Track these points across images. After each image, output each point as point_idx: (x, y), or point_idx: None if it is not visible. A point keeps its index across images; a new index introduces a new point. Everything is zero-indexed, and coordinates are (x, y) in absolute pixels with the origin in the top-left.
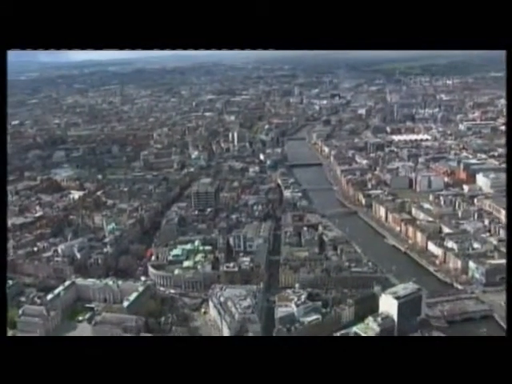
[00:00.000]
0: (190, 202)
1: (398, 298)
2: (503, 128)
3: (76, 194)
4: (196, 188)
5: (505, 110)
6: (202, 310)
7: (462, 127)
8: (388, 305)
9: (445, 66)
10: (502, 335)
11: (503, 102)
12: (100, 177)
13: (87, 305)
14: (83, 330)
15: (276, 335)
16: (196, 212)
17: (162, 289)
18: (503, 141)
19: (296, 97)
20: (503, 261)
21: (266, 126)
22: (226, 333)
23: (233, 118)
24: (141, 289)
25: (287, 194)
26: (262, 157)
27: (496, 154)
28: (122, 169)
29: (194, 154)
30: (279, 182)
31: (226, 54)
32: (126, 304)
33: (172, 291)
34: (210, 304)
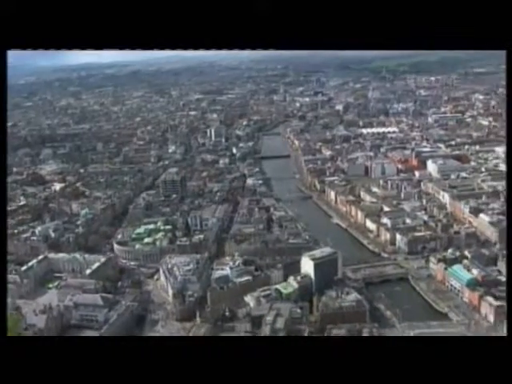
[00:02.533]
0: (158, 190)
1: (314, 259)
2: (469, 120)
3: (58, 186)
4: (164, 177)
5: (477, 103)
6: (155, 278)
7: (430, 120)
8: (307, 266)
9: (433, 63)
10: (413, 294)
11: (477, 96)
12: (82, 171)
13: (57, 274)
14: (51, 294)
15: (211, 291)
16: (163, 198)
17: (123, 261)
18: (464, 131)
19: (280, 95)
20: (428, 233)
21: (244, 123)
22: (170, 293)
23: (215, 115)
24: (103, 260)
25: (249, 181)
26: (234, 150)
27: (453, 143)
28: (103, 163)
29: (172, 148)
30: (245, 171)
31: (223, 55)
32: (88, 272)
33: (132, 263)
34: (160, 270)
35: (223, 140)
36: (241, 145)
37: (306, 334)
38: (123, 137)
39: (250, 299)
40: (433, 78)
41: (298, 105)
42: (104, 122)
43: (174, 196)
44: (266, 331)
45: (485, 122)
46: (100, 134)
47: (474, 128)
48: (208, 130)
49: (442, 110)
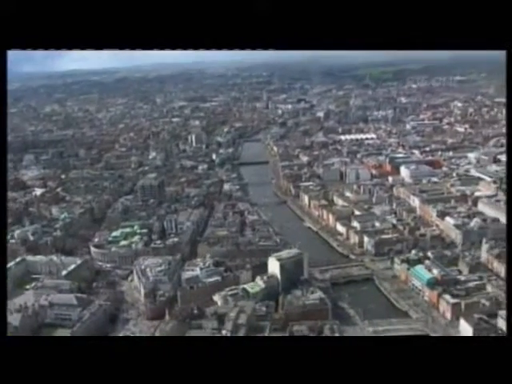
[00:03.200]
0: (137, 195)
1: (280, 259)
2: (446, 127)
3: (39, 191)
4: (142, 182)
5: (456, 110)
6: (129, 279)
7: (408, 127)
8: (273, 266)
9: (417, 71)
10: (377, 293)
11: (456, 103)
12: (63, 176)
13: (34, 276)
14: (28, 295)
15: (182, 288)
16: (140, 203)
17: (99, 263)
18: (440, 138)
19: (263, 102)
20: (395, 235)
21: (226, 129)
22: (142, 293)
23: (197, 122)
24: (79, 262)
25: (226, 186)
26: (214, 156)
27: (428, 149)
28: (84, 169)
29: (152, 154)
30: (223, 177)
31: (210, 62)
32: (64, 273)
33: (107, 265)
34: (134, 272)
35: (204, 146)
36: (221, 151)
37: (267, 330)
38: (105, 143)
39: (217, 298)
40: (415, 86)
41: (280, 112)
42: (87, 129)
43: (152, 201)
44: (228, 327)
45: (461, 129)
46: (83, 141)
47: (449, 135)
48: (189, 137)
49: (421, 117)
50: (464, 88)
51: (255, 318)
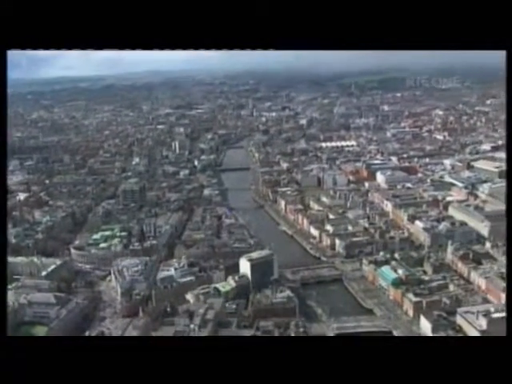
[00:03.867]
0: (118, 199)
1: (251, 260)
2: (425, 134)
3: (22, 196)
4: (123, 186)
5: (436, 118)
6: (108, 279)
7: (388, 134)
8: (244, 266)
9: (402, 79)
10: (345, 293)
11: (437, 111)
12: (47, 181)
13: (15, 276)
14: (8, 294)
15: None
16: (121, 207)
17: (79, 265)
18: (419, 145)
19: (248, 110)
20: (365, 238)
21: (209, 136)
22: (119, 292)
23: (182, 129)
24: (59, 263)
25: (206, 192)
26: (196, 162)
27: (406, 156)
28: (68, 175)
29: (136, 160)
30: (204, 182)
31: (198, 70)
32: (43, 273)
33: (87, 266)
34: (112, 272)
35: (187, 153)
36: (203, 157)
37: (234, 325)
38: (90, 149)
39: (190, 297)
40: (398, 94)
41: (264, 119)
42: (73, 135)
43: (133, 205)
44: (196, 321)
45: (440, 137)
46: (68, 147)
47: (428, 142)
48: (173, 143)
49: (402, 124)
50: (447, 96)
51: (224, 314)
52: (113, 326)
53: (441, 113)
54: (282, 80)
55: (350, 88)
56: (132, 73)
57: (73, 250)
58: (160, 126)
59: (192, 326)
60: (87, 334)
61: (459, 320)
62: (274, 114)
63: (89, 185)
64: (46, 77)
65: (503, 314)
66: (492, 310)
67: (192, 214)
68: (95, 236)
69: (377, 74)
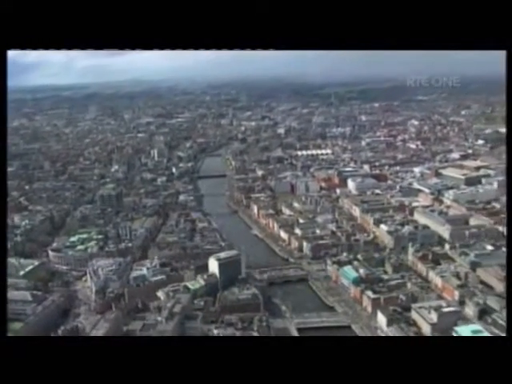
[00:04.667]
0: (96, 204)
1: (219, 259)
2: (399, 143)
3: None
4: (101, 192)
5: (411, 128)
6: (83, 279)
7: (363, 143)
8: (213, 266)
9: (382, 90)
10: (309, 291)
11: (413, 122)
12: (27, 187)
13: None
14: None
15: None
16: (98, 211)
17: (56, 266)
18: (391, 154)
19: (228, 119)
20: (332, 240)
21: (188, 145)
22: (93, 290)
23: (161, 138)
24: (36, 264)
25: (182, 197)
26: (174, 170)
27: (378, 164)
28: (48, 181)
29: (115, 167)
30: (180, 189)
31: (180, 79)
32: (21, 273)
33: (63, 267)
34: (87, 272)
35: (165, 160)
36: (181, 165)
37: (199, 319)
38: (70, 157)
39: (161, 294)
40: (376, 105)
41: (243, 128)
42: (54, 143)
43: (110, 209)
44: (164, 314)
45: (413, 146)
46: (48, 154)
47: (401, 151)
48: (152, 151)
49: (378, 134)
50: (423, 107)
51: (191, 308)
52: (86, 321)
53: (416, 123)
54: (264, 90)
55: (329, 98)
56: (114, 82)
57: (50, 252)
58: (140, 135)
59: (159, 318)
60: (62, 328)
61: (414, 315)
62: (253, 123)
63: (67, 190)
64: (27, 84)
65: (453, 309)
66: (444, 305)
67: (167, 219)
68: (72, 238)
69: (357, 85)
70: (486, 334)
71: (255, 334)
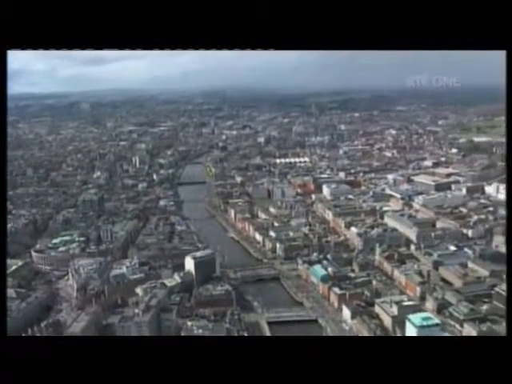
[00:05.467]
0: (78, 209)
1: (194, 258)
2: (375, 152)
3: None
4: (83, 196)
5: (388, 137)
6: (65, 278)
7: (341, 152)
8: (189, 264)
9: (364, 100)
10: (280, 289)
11: (390, 131)
12: (11, 193)
13: None
14: None
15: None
16: (80, 215)
17: (39, 266)
18: (367, 161)
19: (209, 128)
20: (307, 242)
21: (169, 152)
22: (75, 288)
23: (143, 145)
24: (20, 263)
25: (162, 202)
26: (154, 176)
27: (353, 171)
28: (31, 187)
29: (97, 174)
30: (160, 194)
31: (164, 89)
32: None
33: (46, 267)
34: (69, 270)
35: (146, 167)
36: (162, 172)
37: (174, 312)
38: (53, 163)
39: (139, 290)
40: (356, 114)
41: (224, 137)
42: (36, 150)
43: (91, 213)
44: (141, 307)
45: (389, 154)
46: (31, 161)
47: (376, 159)
48: (133, 158)
49: (356, 143)
50: (402, 117)
51: (167, 302)
52: (69, 316)
53: (393, 132)
54: (246, 100)
55: (310, 108)
56: (97, 90)
57: (33, 253)
58: (122, 143)
59: (136, 310)
60: (44, 322)
61: (377, 309)
62: (234, 132)
63: (50, 195)
64: (10, 93)
65: (412, 303)
66: (405, 299)
67: (147, 222)
68: (55, 240)
69: (338, 95)
70: (436, 320)
71: (227, 325)
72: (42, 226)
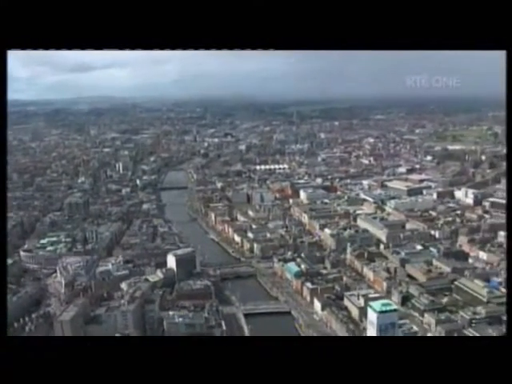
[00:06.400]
0: (64, 212)
1: (176, 255)
2: (353, 159)
3: None
4: (69, 200)
5: (366, 145)
6: (53, 276)
7: (319, 159)
8: (171, 261)
9: (343, 109)
10: (257, 285)
11: (368, 139)
12: None
13: None
14: None
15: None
16: (66, 217)
17: (27, 265)
18: (344, 168)
19: (191, 135)
20: (283, 242)
21: (152, 159)
22: (63, 284)
23: (126, 152)
24: (10, 262)
25: (145, 206)
26: (138, 182)
27: (330, 177)
28: (17, 191)
29: (81, 179)
30: (144, 198)
31: (146, 97)
32: None
33: (34, 266)
34: (57, 268)
35: (129, 173)
36: (145, 177)
37: (157, 304)
38: (38, 169)
39: (124, 285)
40: (336, 123)
41: (206, 144)
42: (20, 156)
43: (77, 216)
44: (126, 298)
45: (365, 161)
46: (16, 167)
47: (353, 165)
48: (117, 165)
49: (334, 150)
50: (380, 126)
51: (150, 294)
52: (57, 310)
53: (371, 140)
54: (228, 108)
55: (291, 117)
56: (79, 98)
57: (22, 252)
58: (106, 149)
59: (122, 301)
60: (35, 314)
61: (345, 301)
62: (216, 139)
63: (36, 199)
64: None
65: (378, 295)
66: (371, 293)
67: (131, 224)
68: (42, 241)
69: (319, 104)
70: (394, 306)
71: (205, 315)
72: (29, 227)
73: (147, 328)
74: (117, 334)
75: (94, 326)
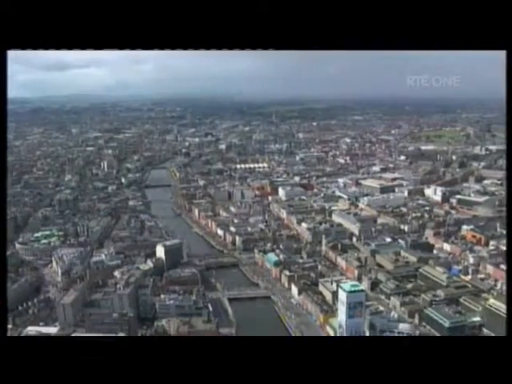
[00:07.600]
0: (55, 208)
1: (164, 246)
2: (329, 158)
3: None
4: (59, 196)
5: (343, 145)
6: (49, 266)
7: (297, 158)
8: (160, 251)
9: (322, 110)
10: (239, 273)
11: (345, 139)
12: None
13: None
14: None
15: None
16: (57, 213)
17: (24, 256)
18: (321, 167)
19: (173, 135)
20: (263, 236)
21: (135, 158)
22: (59, 273)
23: (110, 151)
24: (8, 253)
25: (131, 203)
26: (123, 180)
27: (307, 175)
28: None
29: (68, 177)
30: (129, 195)
31: (126, 96)
32: None
33: (30, 257)
34: (53, 259)
35: (114, 171)
36: (129, 175)
37: (149, 289)
38: (24, 167)
39: (117, 273)
40: (314, 124)
41: (187, 144)
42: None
43: (68, 211)
44: (121, 283)
45: (341, 161)
46: None
47: (329, 164)
48: (102, 163)
49: (312, 150)
50: (357, 126)
51: (143, 281)
52: (56, 296)
53: (348, 140)
54: (208, 108)
55: (271, 117)
56: (59, 96)
57: (17, 245)
58: (89, 148)
59: (118, 285)
60: (36, 299)
61: (320, 287)
62: (196, 139)
63: (26, 196)
64: None
65: (349, 281)
66: (344, 279)
67: (119, 219)
68: (36, 234)
69: (296, 104)
70: (362, 287)
71: (193, 298)
72: (22, 222)
73: (141, 309)
74: (114, 314)
75: (93, 308)
